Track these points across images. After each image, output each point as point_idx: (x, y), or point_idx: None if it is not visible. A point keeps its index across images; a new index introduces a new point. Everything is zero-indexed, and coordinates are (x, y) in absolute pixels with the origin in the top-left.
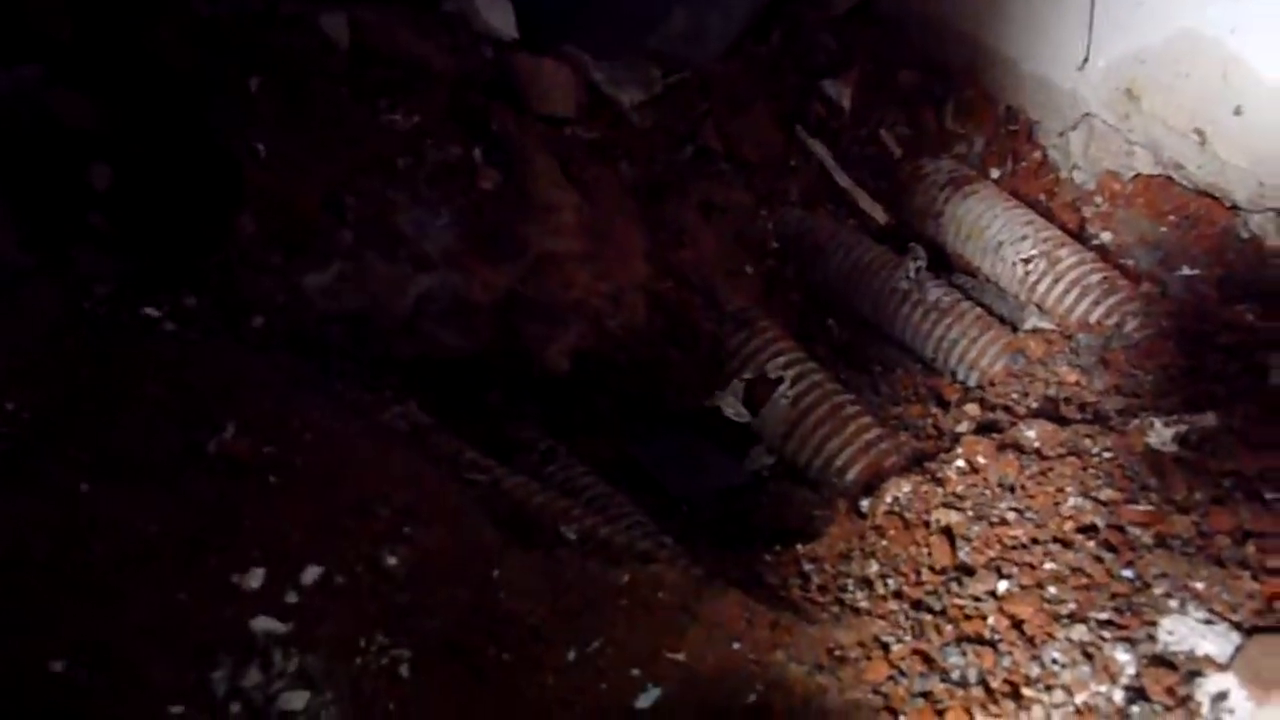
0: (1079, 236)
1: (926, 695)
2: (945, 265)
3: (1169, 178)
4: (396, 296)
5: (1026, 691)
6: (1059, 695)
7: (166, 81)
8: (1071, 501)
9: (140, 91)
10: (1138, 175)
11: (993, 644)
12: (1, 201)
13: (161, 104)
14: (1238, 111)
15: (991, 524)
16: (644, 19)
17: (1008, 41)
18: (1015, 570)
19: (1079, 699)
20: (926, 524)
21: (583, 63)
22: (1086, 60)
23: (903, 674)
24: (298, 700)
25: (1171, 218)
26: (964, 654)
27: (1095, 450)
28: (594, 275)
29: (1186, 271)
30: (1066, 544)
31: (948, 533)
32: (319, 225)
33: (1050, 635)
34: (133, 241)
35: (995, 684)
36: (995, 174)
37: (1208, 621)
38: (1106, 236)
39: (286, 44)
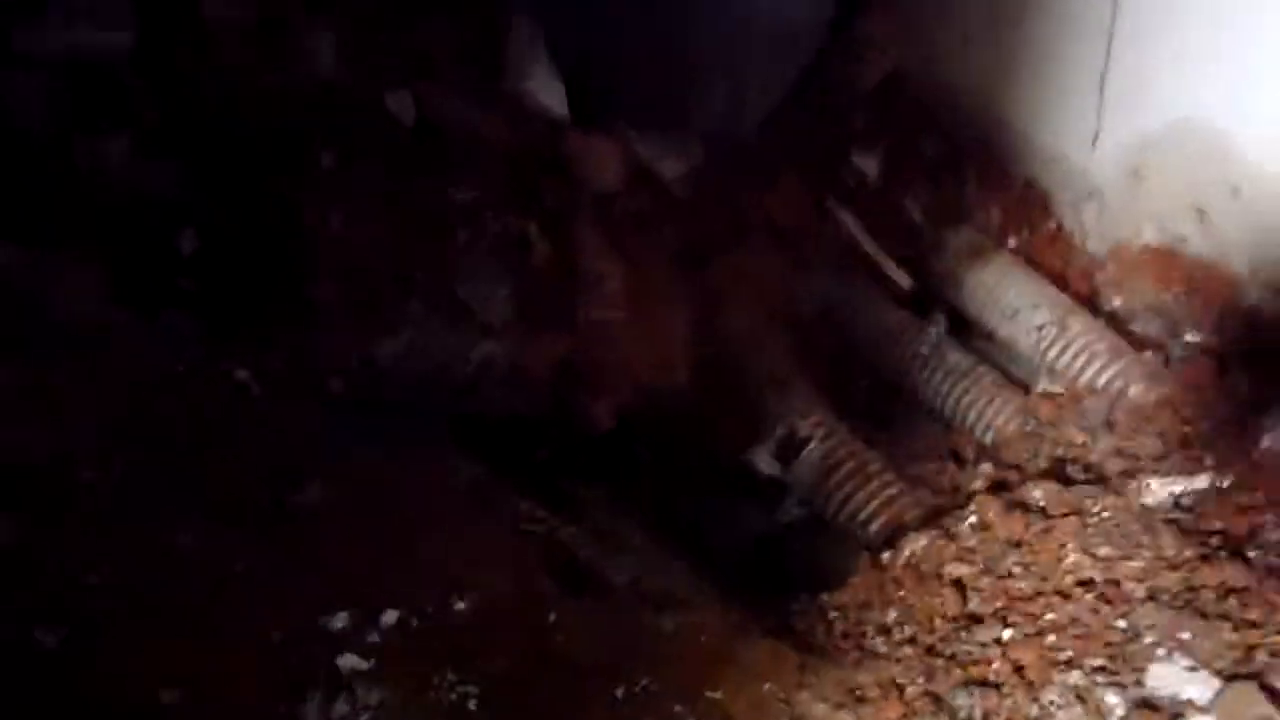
0: (1092, 302)
1: None
2: (965, 329)
3: (1174, 249)
4: (460, 362)
5: None
6: None
7: (245, 154)
8: (1072, 558)
9: (221, 163)
10: (1146, 246)
11: (996, 686)
12: (93, 262)
13: (241, 175)
14: (1235, 194)
15: (999, 577)
16: (685, 95)
17: (1025, 118)
18: (1019, 619)
19: None
20: (940, 576)
21: (628, 137)
22: (1097, 139)
23: (915, 713)
24: None
25: (1177, 287)
26: (970, 695)
27: (1095, 509)
28: (638, 340)
29: (1189, 338)
30: (1066, 596)
31: (959, 584)
32: (389, 295)
33: (1048, 679)
34: (218, 304)
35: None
36: (1013, 242)
37: (1192, 669)
38: (1117, 302)
39: (355, 122)
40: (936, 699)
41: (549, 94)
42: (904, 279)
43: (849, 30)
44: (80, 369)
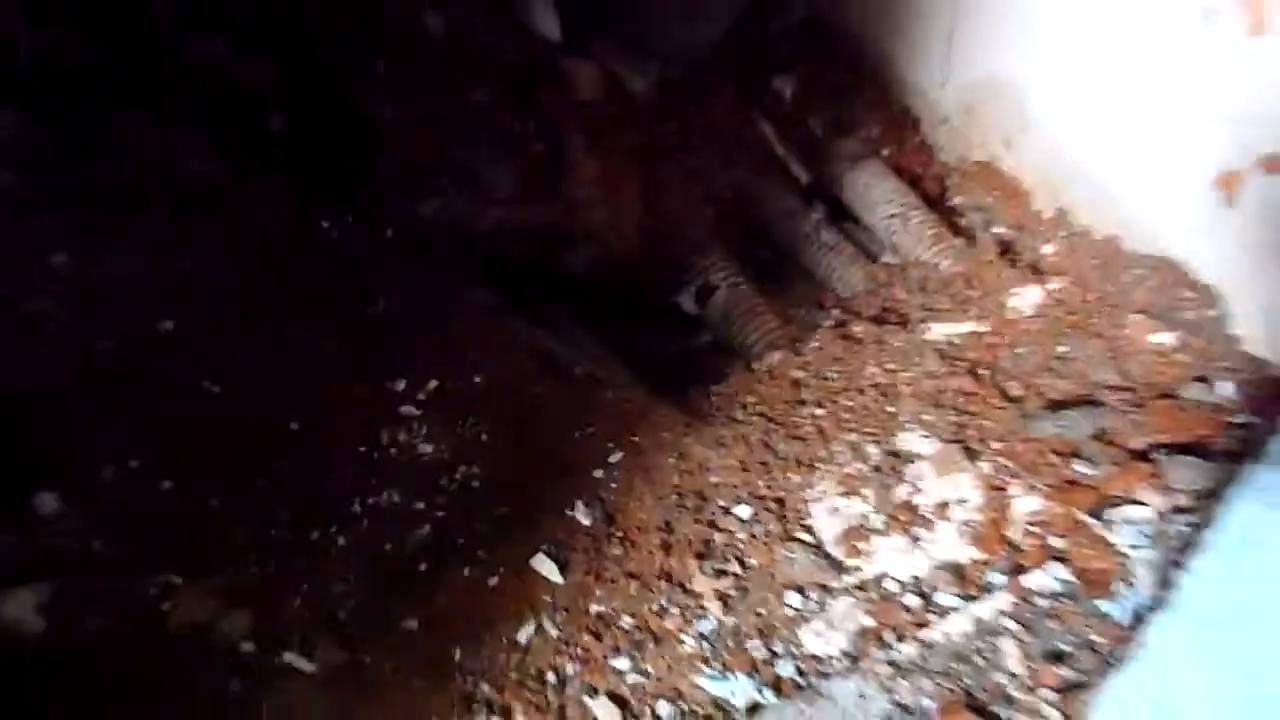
0: (941, 199)
1: (764, 464)
2: (843, 215)
3: (993, 166)
4: (478, 221)
5: (818, 465)
6: (834, 469)
7: (318, 58)
8: (869, 369)
9: (300, 63)
10: (976, 161)
11: (804, 440)
12: (202, 135)
13: (316, 75)
14: (1025, 131)
15: (821, 379)
16: (651, 28)
17: (901, 60)
18: (828, 404)
19: (844, 470)
20: (786, 377)
21: (605, 59)
22: (946, 81)
23: (753, 451)
24: (428, 448)
25: (996, 192)
26: (789, 444)
27: (893, 340)
28: (604, 214)
29: (996, 230)
30: (860, 391)
31: (796, 383)
32: (428, 171)
33: (837, 437)
34: (302, 172)
35: (802, 461)
36: (887, 152)
37: (925, 436)
38: (958, 200)
39: (402, 51)
40: (768, 446)
41: (547, 22)
42: (803, 175)
43: None
44: (207, 214)
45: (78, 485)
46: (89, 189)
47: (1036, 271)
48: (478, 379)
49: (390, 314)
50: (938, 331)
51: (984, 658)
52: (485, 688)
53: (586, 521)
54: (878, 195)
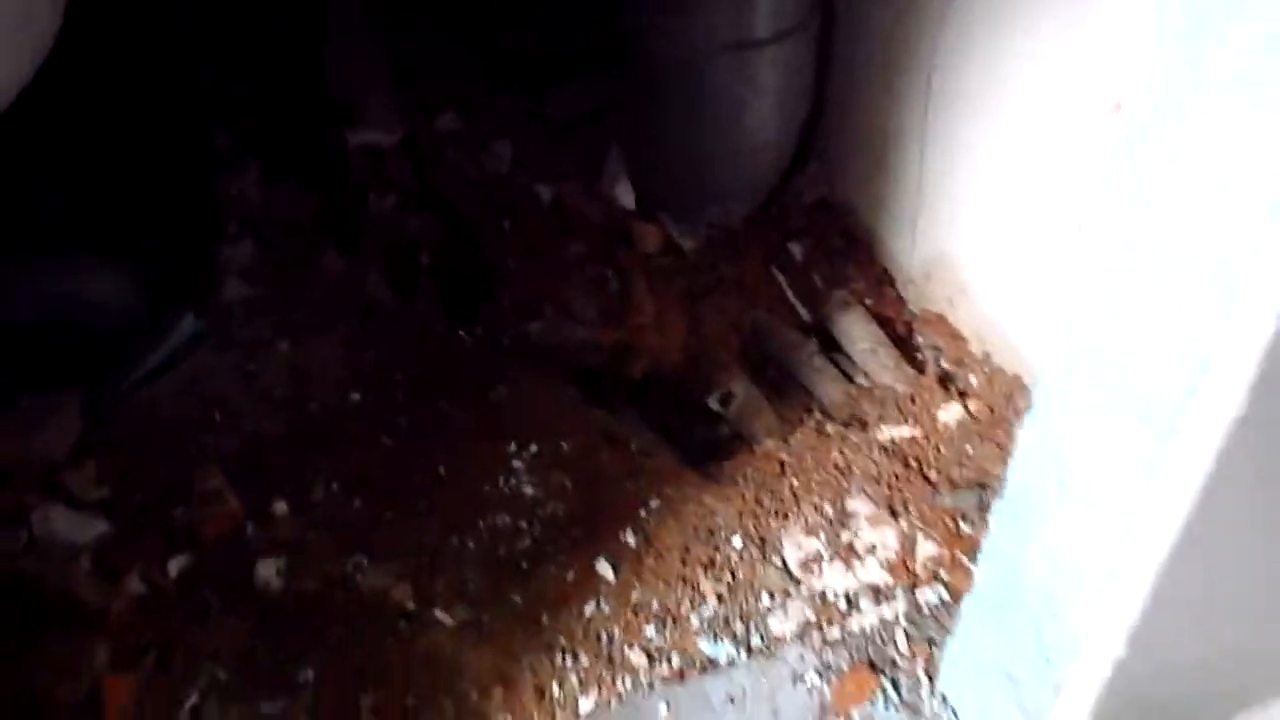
0: (908, 339)
1: (754, 513)
2: (833, 346)
3: (945, 316)
4: (569, 338)
5: (789, 516)
6: (801, 519)
7: (459, 215)
8: (834, 455)
9: (447, 219)
10: (935, 312)
11: (782, 499)
12: (379, 267)
13: (458, 228)
14: (963, 292)
15: (799, 460)
16: (700, 203)
17: (882, 233)
18: (801, 477)
19: (808, 521)
20: (774, 458)
21: (666, 223)
22: (913, 250)
23: (747, 505)
24: (529, 489)
25: (945, 336)
26: (771, 501)
27: (853, 437)
28: (657, 337)
29: (944, 364)
30: (825, 470)
31: (781, 462)
32: (536, 301)
33: (805, 499)
34: (446, 298)
35: (779, 513)
36: (868, 301)
37: (866, 502)
38: (919, 341)
39: (521, 212)
40: (759, 500)
41: (625, 194)
42: (805, 316)
43: (795, 173)
44: (382, 323)
45: (297, 499)
46: (302, 300)
47: (962, 395)
48: (565, 446)
49: (506, 399)
50: (886, 433)
51: (884, 640)
52: (562, 639)
53: (631, 542)
54: (858, 334)
